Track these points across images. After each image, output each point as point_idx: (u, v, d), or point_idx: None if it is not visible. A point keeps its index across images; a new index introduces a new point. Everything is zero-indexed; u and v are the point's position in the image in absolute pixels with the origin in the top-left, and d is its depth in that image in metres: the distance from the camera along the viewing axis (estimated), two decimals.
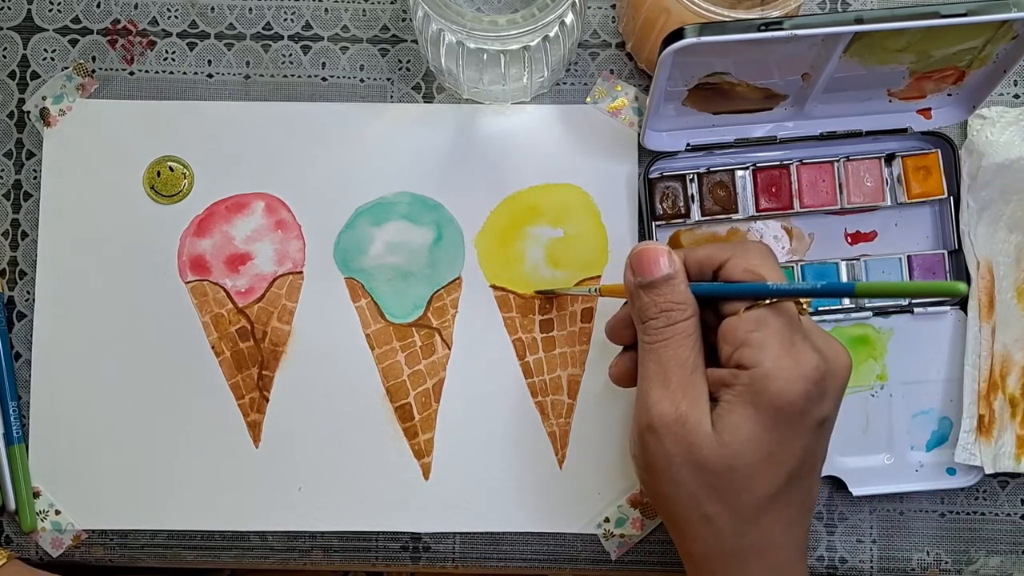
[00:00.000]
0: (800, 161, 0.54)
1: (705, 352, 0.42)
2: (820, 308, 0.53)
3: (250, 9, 0.56)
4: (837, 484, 0.54)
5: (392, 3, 0.57)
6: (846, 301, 0.54)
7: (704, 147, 0.53)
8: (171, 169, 0.55)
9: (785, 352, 0.39)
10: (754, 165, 0.54)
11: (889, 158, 0.54)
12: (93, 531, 0.54)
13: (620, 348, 0.47)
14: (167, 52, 0.56)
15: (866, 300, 0.53)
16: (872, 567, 0.54)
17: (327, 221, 0.55)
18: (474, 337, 0.54)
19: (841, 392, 0.41)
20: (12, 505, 0.53)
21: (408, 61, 0.56)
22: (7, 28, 0.56)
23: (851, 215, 0.55)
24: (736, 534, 0.40)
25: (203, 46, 0.56)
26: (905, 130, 0.53)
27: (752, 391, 0.39)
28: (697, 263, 0.42)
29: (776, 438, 0.39)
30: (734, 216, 0.54)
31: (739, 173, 0.54)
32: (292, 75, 0.56)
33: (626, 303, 0.45)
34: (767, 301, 0.40)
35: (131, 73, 0.56)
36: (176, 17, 0.56)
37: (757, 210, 0.54)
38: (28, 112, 0.56)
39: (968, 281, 0.53)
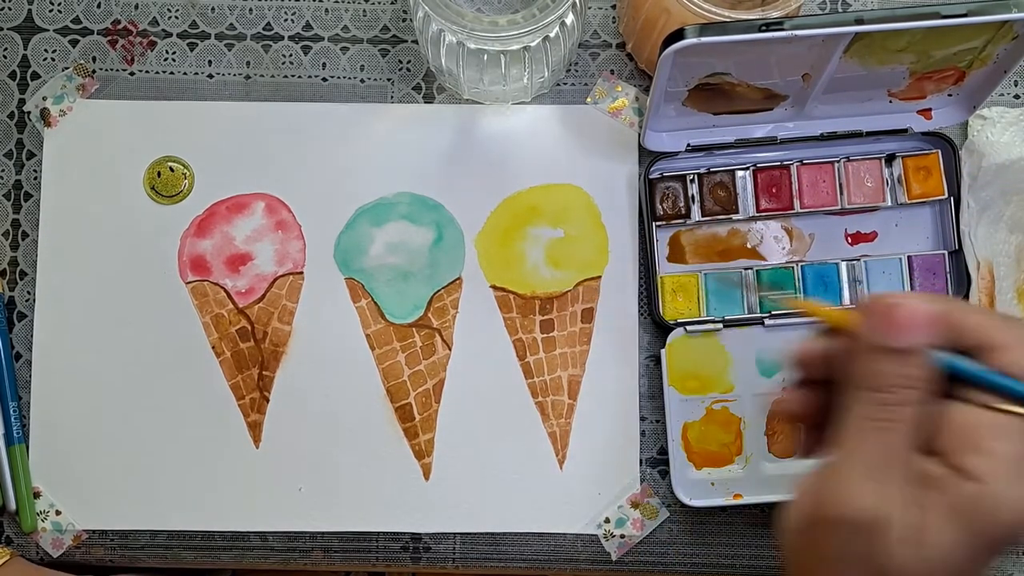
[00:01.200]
0: (800, 161, 0.54)
1: None
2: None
3: (250, 9, 0.56)
4: None
5: (392, 3, 0.57)
6: (846, 301, 0.54)
7: (704, 147, 0.53)
8: (171, 169, 0.55)
9: (1021, 478, 0.32)
10: (754, 165, 0.54)
11: (889, 158, 0.54)
12: (93, 531, 0.54)
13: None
14: (167, 52, 0.56)
15: None
16: None
17: (327, 221, 0.55)
18: (474, 337, 0.54)
19: None
20: (12, 505, 0.53)
21: (408, 61, 0.56)
22: (7, 28, 0.56)
23: (851, 215, 0.55)
24: None
25: (203, 46, 0.56)
26: (905, 130, 0.53)
27: (974, 509, 0.32)
28: (959, 329, 0.34)
29: (973, 566, 0.33)
30: (734, 216, 0.54)
31: (739, 173, 0.54)
32: (292, 75, 0.56)
33: (827, 333, 0.38)
34: (1020, 410, 0.33)
35: (131, 73, 0.56)
36: (176, 17, 0.56)
37: (757, 210, 0.54)
38: (28, 112, 0.56)
39: (968, 282, 0.53)
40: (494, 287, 0.55)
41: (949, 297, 0.39)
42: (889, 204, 0.54)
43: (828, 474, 0.34)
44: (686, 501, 0.52)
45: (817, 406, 0.38)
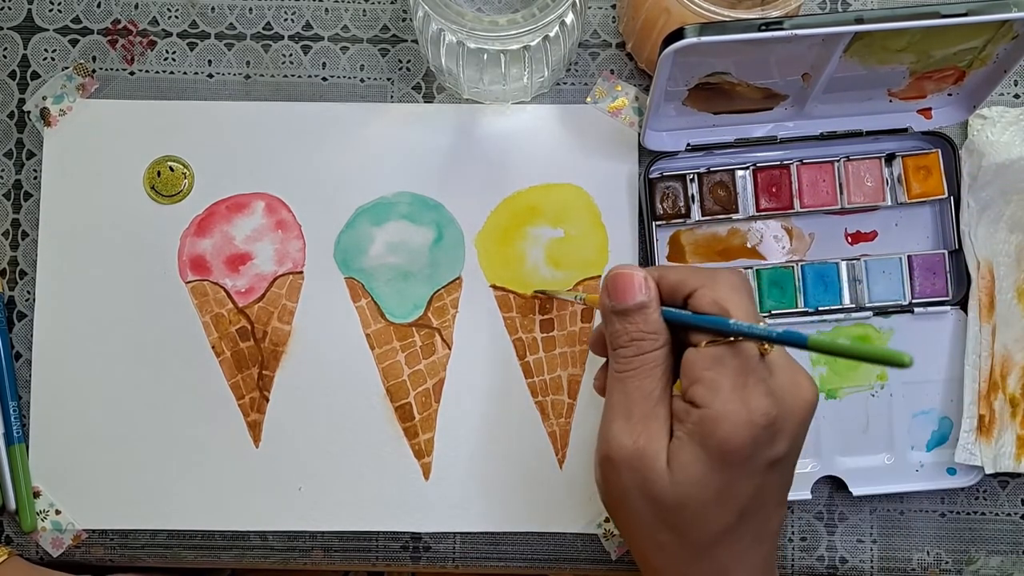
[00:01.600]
0: (800, 161, 0.54)
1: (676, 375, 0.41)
2: (820, 308, 0.53)
3: (250, 9, 0.56)
4: (837, 484, 0.54)
5: (392, 3, 0.57)
6: (846, 300, 0.54)
7: (704, 147, 0.53)
8: (171, 169, 0.55)
9: (736, 395, 0.38)
10: (754, 165, 0.54)
11: (889, 158, 0.54)
12: (93, 531, 0.54)
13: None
14: (167, 52, 0.56)
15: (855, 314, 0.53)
16: (872, 567, 0.54)
17: (327, 221, 0.55)
18: (474, 337, 0.54)
19: (800, 430, 0.40)
20: (12, 505, 0.53)
21: (408, 61, 0.56)
22: (7, 28, 0.56)
23: (851, 215, 0.55)
24: (689, 562, 0.40)
25: (203, 46, 0.56)
26: (905, 130, 0.53)
27: (701, 432, 0.38)
28: (670, 286, 0.41)
29: (725, 479, 0.39)
30: (734, 216, 0.54)
31: (739, 173, 0.54)
32: (292, 75, 0.56)
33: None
34: (725, 339, 0.39)
35: (131, 73, 0.56)
36: (176, 17, 0.56)
37: (757, 210, 0.54)
38: (28, 112, 0.56)
39: (968, 281, 0.53)
40: (494, 287, 0.55)
41: (663, 265, 0.46)
42: (889, 203, 0.54)
43: (602, 424, 0.41)
44: None
45: None
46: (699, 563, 0.40)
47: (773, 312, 0.53)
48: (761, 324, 0.38)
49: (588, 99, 0.56)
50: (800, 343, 0.36)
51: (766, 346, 0.40)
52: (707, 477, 0.38)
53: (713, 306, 0.40)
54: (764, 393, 0.39)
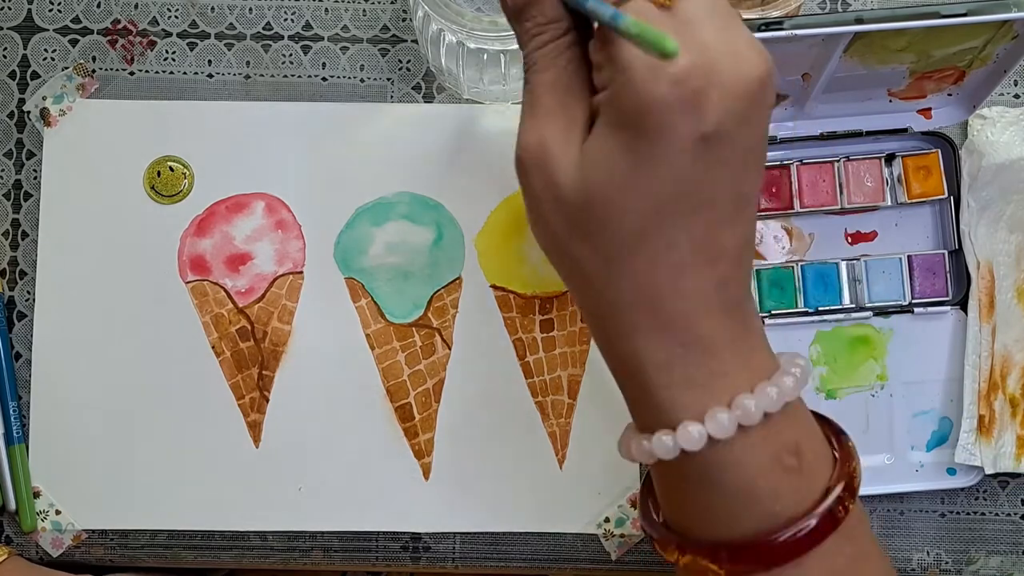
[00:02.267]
0: (800, 161, 0.54)
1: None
2: (820, 308, 0.53)
3: (250, 9, 0.56)
4: None
5: (392, 3, 0.57)
6: (846, 301, 0.54)
7: None
8: (171, 169, 0.55)
9: (643, 57, 0.31)
10: None
11: (889, 158, 0.54)
12: (93, 531, 0.54)
13: None
14: (167, 52, 0.56)
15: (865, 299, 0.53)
16: None
17: (327, 221, 0.55)
18: (474, 337, 0.54)
19: (740, 106, 0.32)
20: (12, 505, 0.53)
21: (408, 61, 0.56)
22: (7, 28, 0.56)
23: (851, 215, 0.55)
24: (607, 281, 0.34)
25: (203, 46, 0.56)
26: (905, 130, 0.53)
27: (609, 104, 0.33)
28: None
29: (634, 160, 0.32)
30: None
31: None
32: (292, 75, 0.56)
33: None
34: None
35: (131, 73, 0.56)
36: (176, 17, 0.56)
37: (757, 210, 0.54)
38: (28, 112, 0.56)
39: (968, 281, 0.53)
40: (494, 287, 0.55)
41: None
42: (889, 204, 0.54)
43: (518, 129, 0.36)
44: None
45: None
46: (619, 280, 0.34)
47: (773, 312, 0.53)
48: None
49: None
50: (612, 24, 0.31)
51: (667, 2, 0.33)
52: (611, 158, 0.32)
53: None
54: (687, 43, 0.31)
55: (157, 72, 0.56)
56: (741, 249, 0.35)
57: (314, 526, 0.54)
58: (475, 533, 0.54)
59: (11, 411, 0.54)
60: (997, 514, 0.54)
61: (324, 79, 0.56)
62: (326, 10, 0.56)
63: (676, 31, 0.32)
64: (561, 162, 0.34)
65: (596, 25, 0.35)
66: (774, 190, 0.54)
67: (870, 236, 0.55)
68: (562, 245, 0.35)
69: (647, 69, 0.31)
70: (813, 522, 0.35)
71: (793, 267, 0.54)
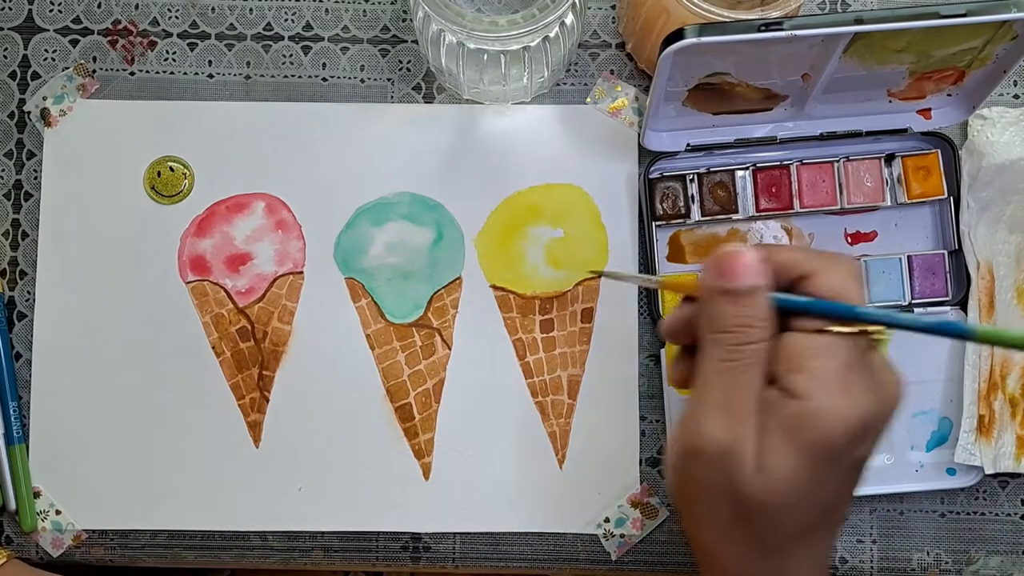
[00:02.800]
0: (800, 161, 0.54)
1: None
2: None
3: (250, 10, 0.56)
4: None
5: (392, 3, 0.57)
6: None
7: (704, 147, 0.53)
8: (171, 169, 0.55)
9: (841, 390, 0.36)
10: (754, 165, 0.54)
11: (889, 158, 0.54)
12: (93, 531, 0.54)
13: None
14: (167, 52, 0.56)
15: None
16: (872, 567, 0.54)
17: (327, 221, 0.55)
18: (474, 337, 0.54)
19: (885, 430, 0.38)
20: (12, 505, 0.53)
21: (408, 61, 0.56)
22: (8, 28, 0.56)
23: (851, 215, 0.55)
24: (758, 560, 0.39)
25: (203, 46, 0.56)
26: (905, 130, 0.53)
27: (797, 425, 0.36)
28: (778, 267, 0.38)
29: (814, 479, 0.36)
30: (734, 216, 0.54)
31: (739, 173, 0.54)
32: (292, 75, 0.56)
33: (685, 300, 0.41)
34: (839, 329, 0.36)
35: (131, 73, 0.56)
36: (176, 17, 0.56)
37: (757, 210, 0.54)
38: (29, 112, 0.56)
39: (968, 281, 0.53)
40: (494, 287, 0.55)
41: (770, 245, 0.43)
42: (889, 204, 0.54)
43: (690, 414, 0.38)
44: None
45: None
46: (768, 560, 0.38)
47: None
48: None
49: (588, 99, 0.56)
50: (963, 335, 0.34)
51: (878, 337, 0.37)
52: (798, 477, 0.36)
53: (836, 291, 0.37)
54: (869, 389, 0.36)
55: (157, 72, 0.56)
56: (844, 520, 0.40)
57: (314, 526, 0.54)
58: (475, 533, 0.54)
59: (11, 411, 0.54)
60: (997, 514, 0.54)
61: (324, 79, 0.56)
62: (326, 10, 0.57)
63: (867, 372, 0.37)
64: (747, 463, 0.36)
65: (807, 330, 0.37)
66: (774, 190, 0.54)
67: (870, 236, 0.55)
68: (722, 528, 0.38)
69: (840, 410, 0.36)
70: None
71: None
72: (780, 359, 0.37)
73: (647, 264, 0.54)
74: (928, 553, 0.54)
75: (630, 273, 0.51)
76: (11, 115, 0.56)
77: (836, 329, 0.36)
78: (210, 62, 0.56)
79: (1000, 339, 0.33)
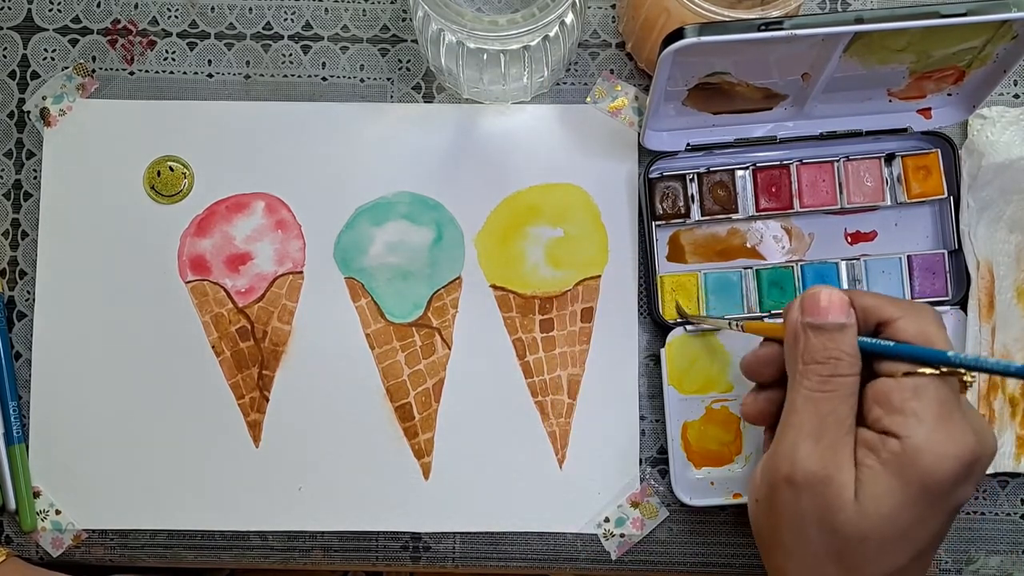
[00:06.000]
0: (800, 161, 0.54)
1: None
2: None
3: (250, 9, 0.56)
4: None
5: (392, 3, 0.57)
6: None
7: (704, 147, 0.53)
8: (171, 169, 0.55)
9: (941, 427, 0.37)
10: (754, 165, 0.54)
11: (889, 158, 0.54)
12: (93, 531, 0.54)
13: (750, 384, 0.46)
14: (167, 52, 0.56)
15: None
16: None
17: (327, 221, 0.55)
18: (474, 337, 0.54)
19: (983, 473, 0.39)
20: (12, 505, 0.53)
21: (408, 61, 0.56)
22: (7, 28, 0.56)
23: (851, 215, 0.55)
24: None
25: (203, 46, 0.56)
26: (905, 130, 0.53)
27: (901, 462, 0.37)
28: (863, 310, 0.40)
29: (916, 515, 0.37)
30: (734, 216, 0.54)
31: (739, 173, 0.54)
32: (292, 75, 0.56)
33: (766, 341, 0.44)
34: (929, 370, 0.38)
35: (131, 73, 0.56)
36: (176, 17, 0.56)
37: (757, 210, 0.54)
38: (28, 112, 0.56)
39: (968, 281, 0.53)
40: (494, 286, 0.55)
41: (855, 290, 0.44)
42: (889, 203, 0.54)
43: (781, 443, 0.39)
44: (686, 500, 0.52)
45: (772, 407, 0.44)
46: None
47: (773, 312, 0.53)
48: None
49: (588, 99, 0.56)
50: None
51: (969, 381, 0.39)
52: (898, 512, 0.37)
53: (919, 337, 0.38)
54: (968, 429, 0.37)
55: (157, 72, 0.56)
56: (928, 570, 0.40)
57: (314, 526, 0.54)
58: (475, 533, 0.54)
59: (11, 411, 0.54)
60: (997, 514, 0.54)
61: (324, 79, 0.56)
62: (326, 10, 0.57)
63: (965, 412, 0.38)
64: (844, 493, 0.37)
65: (896, 373, 0.38)
66: (774, 190, 0.54)
67: (870, 236, 0.55)
68: (812, 561, 0.39)
69: (943, 445, 0.37)
70: None
71: (793, 267, 0.54)
72: (873, 404, 0.38)
73: (647, 264, 0.54)
74: None
75: (710, 320, 0.52)
76: (11, 115, 0.56)
77: (927, 371, 0.38)
78: (210, 61, 0.56)
79: None
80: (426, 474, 0.54)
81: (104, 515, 0.54)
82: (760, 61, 0.48)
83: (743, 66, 0.48)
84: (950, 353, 0.37)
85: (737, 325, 0.47)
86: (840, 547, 0.38)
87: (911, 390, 0.38)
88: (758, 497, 0.41)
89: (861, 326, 0.40)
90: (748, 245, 0.55)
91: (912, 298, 0.54)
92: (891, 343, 0.39)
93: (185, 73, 0.56)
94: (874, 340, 0.39)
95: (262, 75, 0.56)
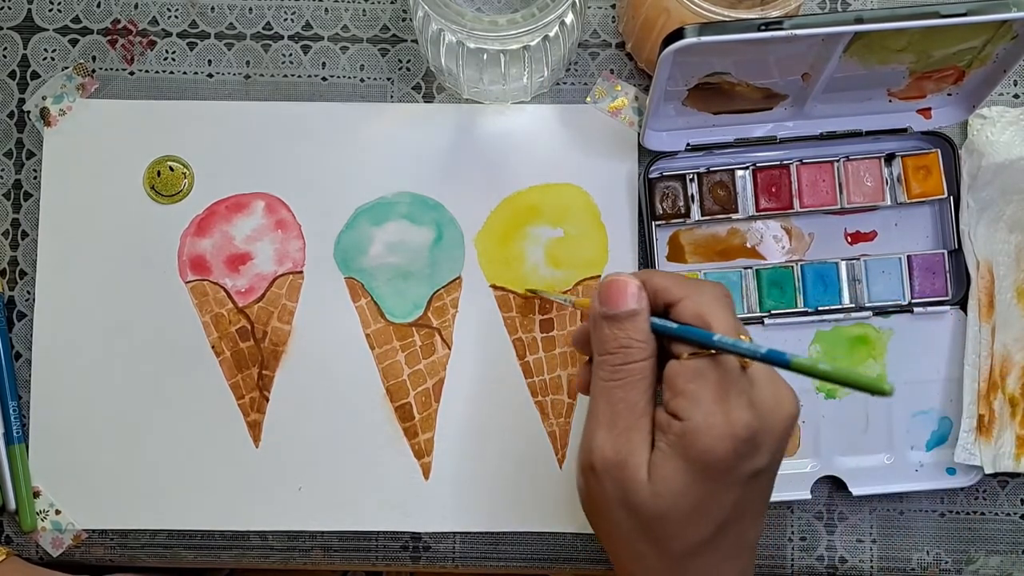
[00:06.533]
0: (800, 161, 0.54)
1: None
2: (820, 308, 0.53)
3: (250, 9, 0.56)
4: (837, 484, 0.54)
5: (392, 3, 0.57)
6: (845, 300, 0.54)
7: (704, 147, 0.53)
8: (171, 169, 0.55)
9: (717, 408, 0.38)
10: (754, 165, 0.54)
11: (889, 158, 0.54)
12: (93, 531, 0.54)
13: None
14: (167, 52, 0.56)
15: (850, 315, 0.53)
16: (872, 567, 0.54)
17: (327, 221, 0.55)
18: (474, 337, 0.54)
19: (780, 443, 0.40)
20: (12, 505, 0.53)
21: (408, 61, 0.56)
22: (7, 28, 0.56)
23: (851, 215, 0.55)
24: (666, 573, 0.41)
25: (203, 46, 0.56)
26: (905, 130, 0.53)
27: (682, 444, 0.39)
28: (654, 291, 0.41)
29: (705, 491, 0.39)
30: (734, 216, 0.54)
31: (739, 173, 0.54)
32: (292, 75, 0.56)
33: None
34: (704, 352, 0.39)
35: (131, 73, 0.56)
36: (176, 17, 0.56)
37: (757, 210, 0.54)
38: (28, 112, 0.56)
39: (968, 281, 0.53)
40: (494, 286, 0.55)
41: (650, 270, 0.46)
42: (889, 203, 0.54)
43: (586, 431, 0.41)
44: None
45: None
46: (676, 574, 0.41)
47: (773, 312, 0.53)
48: (744, 339, 0.38)
49: (588, 99, 0.56)
50: (782, 363, 0.36)
51: (746, 359, 0.39)
52: (687, 489, 0.39)
53: (696, 319, 0.40)
54: (745, 406, 0.39)
55: (157, 72, 0.56)
56: (757, 539, 0.42)
57: (314, 526, 0.54)
58: (475, 533, 0.54)
59: (11, 411, 0.54)
60: (997, 514, 0.54)
61: (324, 79, 0.56)
62: (326, 10, 0.57)
63: (745, 389, 0.39)
64: (637, 475, 0.39)
65: (683, 355, 0.39)
66: (774, 190, 0.54)
67: (870, 236, 0.55)
68: (627, 541, 0.41)
69: (718, 426, 0.38)
70: None
71: (793, 267, 0.54)
72: (667, 386, 0.40)
73: (647, 264, 0.54)
74: (928, 553, 0.54)
75: (554, 293, 0.54)
76: (11, 115, 0.56)
77: (701, 352, 0.39)
78: (210, 61, 0.56)
79: (811, 371, 0.35)
80: (426, 474, 0.54)
81: (104, 515, 0.54)
82: (760, 61, 0.48)
83: (743, 66, 0.48)
84: (715, 336, 0.38)
85: (571, 302, 0.49)
86: (644, 525, 0.40)
87: (692, 372, 0.39)
88: (578, 486, 0.43)
89: (653, 305, 0.41)
90: (748, 245, 0.55)
91: (912, 298, 0.54)
92: (674, 324, 0.40)
93: (185, 73, 0.56)
94: (663, 322, 0.40)
95: (262, 75, 0.56)
